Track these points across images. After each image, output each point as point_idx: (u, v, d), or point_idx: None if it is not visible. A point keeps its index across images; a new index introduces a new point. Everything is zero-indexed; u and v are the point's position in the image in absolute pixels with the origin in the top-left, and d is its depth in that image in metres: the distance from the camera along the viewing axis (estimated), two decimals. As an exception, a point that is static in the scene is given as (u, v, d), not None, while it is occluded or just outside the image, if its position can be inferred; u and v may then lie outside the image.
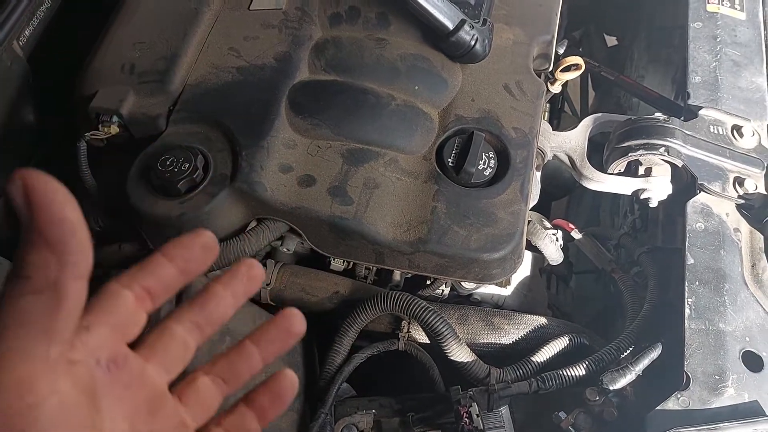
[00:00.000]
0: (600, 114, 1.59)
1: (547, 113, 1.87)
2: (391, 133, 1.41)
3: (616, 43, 2.35)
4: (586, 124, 1.57)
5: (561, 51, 1.74)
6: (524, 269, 1.51)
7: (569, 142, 1.55)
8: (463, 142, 1.40)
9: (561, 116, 2.18)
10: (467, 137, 1.40)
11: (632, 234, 1.58)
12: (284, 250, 1.44)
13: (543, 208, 1.73)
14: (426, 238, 1.31)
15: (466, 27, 1.44)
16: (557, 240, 1.50)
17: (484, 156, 1.38)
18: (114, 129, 1.42)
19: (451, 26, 1.44)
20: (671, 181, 1.45)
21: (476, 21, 1.47)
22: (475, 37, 1.44)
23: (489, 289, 1.49)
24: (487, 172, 1.38)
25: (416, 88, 1.46)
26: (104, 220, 1.49)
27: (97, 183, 1.45)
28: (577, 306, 1.66)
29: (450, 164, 1.38)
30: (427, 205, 1.34)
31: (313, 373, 1.37)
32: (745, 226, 1.36)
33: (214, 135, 1.40)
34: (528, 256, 1.52)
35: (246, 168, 1.33)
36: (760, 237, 1.35)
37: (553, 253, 1.48)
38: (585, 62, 1.65)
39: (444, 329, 1.30)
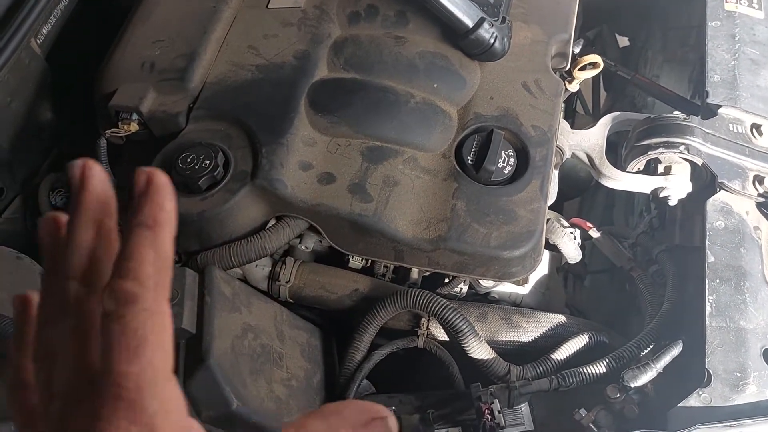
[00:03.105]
0: (619, 113, 1.59)
1: (562, 112, 1.86)
2: (410, 131, 1.41)
3: (627, 44, 2.35)
4: (604, 123, 1.57)
5: (577, 50, 1.74)
6: (542, 268, 1.50)
7: (588, 141, 1.55)
8: (483, 140, 1.40)
9: (575, 116, 2.18)
10: (486, 135, 1.40)
11: (649, 233, 1.58)
12: (303, 248, 1.45)
13: (556, 208, 1.73)
14: (446, 236, 1.31)
15: (486, 25, 1.44)
16: (575, 238, 1.50)
17: (503, 154, 1.38)
18: (134, 126, 1.42)
19: (470, 24, 1.44)
20: (690, 180, 1.45)
21: (495, 19, 1.47)
22: (494, 35, 1.45)
23: (507, 288, 1.48)
24: (507, 170, 1.38)
25: (435, 86, 1.47)
26: (123, 218, 1.49)
27: (117, 180, 1.45)
28: (592, 306, 1.65)
29: (469, 162, 1.38)
30: (446, 203, 1.34)
31: (333, 370, 1.37)
32: (765, 224, 1.36)
33: (234, 132, 1.40)
34: (545, 254, 1.51)
35: (266, 165, 1.33)
36: (780, 235, 1.36)
37: (572, 252, 1.48)
38: (602, 61, 1.65)
39: (464, 326, 1.30)
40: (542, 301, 1.52)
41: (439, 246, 1.31)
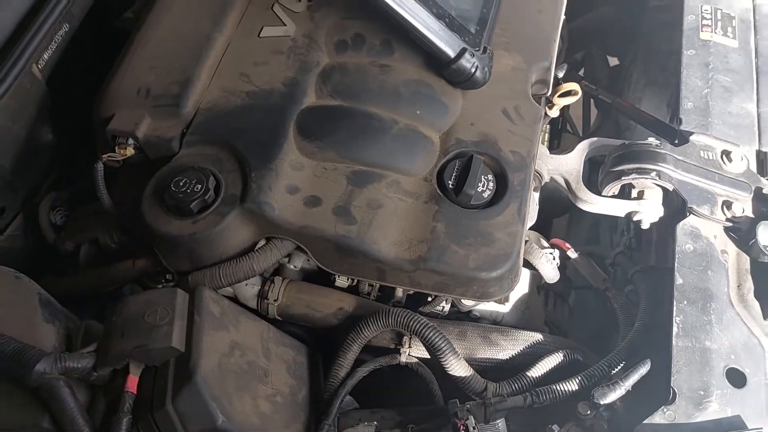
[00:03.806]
0: (595, 138, 1.64)
1: (547, 134, 1.92)
2: (393, 156, 1.47)
3: (618, 62, 2.40)
4: (581, 148, 1.62)
5: (561, 75, 1.79)
6: (522, 287, 1.56)
7: (565, 165, 1.60)
8: (463, 164, 1.46)
9: (562, 137, 2.24)
10: (467, 160, 1.46)
11: (627, 253, 1.63)
12: (291, 266, 1.51)
13: (544, 225, 1.78)
14: (426, 257, 1.37)
15: (467, 55, 1.50)
16: (554, 259, 1.55)
17: (483, 178, 1.44)
18: (129, 151, 1.48)
19: (452, 54, 1.50)
20: (663, 204, 1.51)
21: (476, 49, 1.53)
22: (475, 65, 1.51)
23: (488, 306, 1.54)
24: (486, 194, 1.43)
25: (418, 112, 1.53)
26: (119, 237, 1.55)
27: (113, 202, 1.51)
28: (577, 322, 1.70)
29: (450, 186, 1.44)
30: (427, 225, 1.40)
31: (318, 386, 1.42)
32: (732, 248, 1.42)
33: (225, 157, 1.46)
34: (526, 274, 1.57)
35: (255, 189, 1.39)
36: (746, 258, 1.41)
37: (550, 272, 1.54)
38: (583, 87, 1.71)
39: (443, 345, 1.36)
40: (522, 318, 1.57)
41: (419, 266, 1.37)
